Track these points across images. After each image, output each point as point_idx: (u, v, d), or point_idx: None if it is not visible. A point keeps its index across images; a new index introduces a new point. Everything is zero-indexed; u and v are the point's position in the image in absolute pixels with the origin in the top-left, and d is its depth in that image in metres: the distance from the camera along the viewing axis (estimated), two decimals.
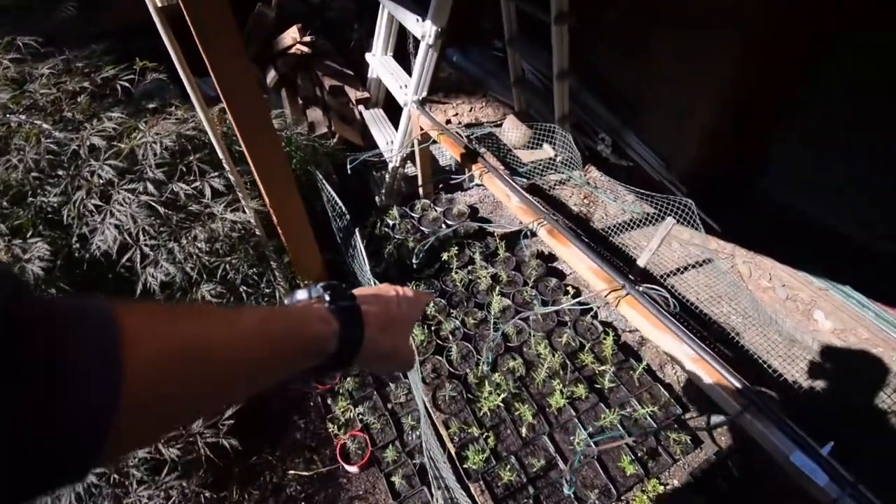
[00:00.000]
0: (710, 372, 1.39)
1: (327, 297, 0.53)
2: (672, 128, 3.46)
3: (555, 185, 3.70)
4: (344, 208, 2.21)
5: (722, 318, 2.74)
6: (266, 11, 3.40)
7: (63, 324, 0.28)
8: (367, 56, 3.18)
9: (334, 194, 2.26)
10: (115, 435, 0.29)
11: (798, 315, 2.88)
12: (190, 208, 1.66)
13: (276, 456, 1.97)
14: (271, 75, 3.27)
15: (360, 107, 3.37)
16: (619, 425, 1.80)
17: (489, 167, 2.11)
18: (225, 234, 1.69)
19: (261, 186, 1.68)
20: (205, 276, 1.65)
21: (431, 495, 1.74)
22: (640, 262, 2.81)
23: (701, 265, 3.13)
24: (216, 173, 1.71)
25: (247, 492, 1.87)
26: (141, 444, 0.33)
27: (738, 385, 1.32)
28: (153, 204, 1.59)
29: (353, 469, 1.88)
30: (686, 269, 3.12)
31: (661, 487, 1.77)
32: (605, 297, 1.55)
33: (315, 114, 3.13)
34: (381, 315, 0.57)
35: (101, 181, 1.55)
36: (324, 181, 2.37)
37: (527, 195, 1.94)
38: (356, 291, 0.58)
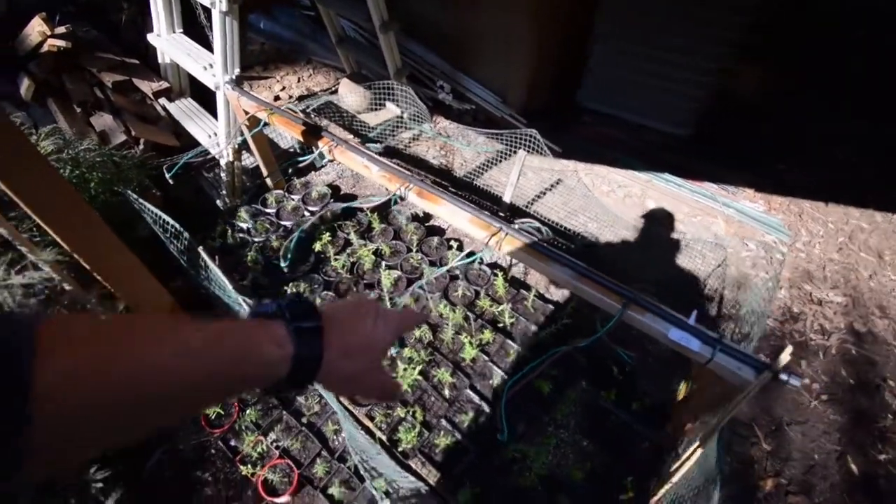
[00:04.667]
0: (590, 284, 1.51)
1: (287, 316, 0.49)
2: (500, 61, 3.58)
3: (409, 142, 3.62)
4: (177, 225, 1.84)
5: (581, 228, 3.05)
6: None
7: None
8: (150, 38, 2.61)
9: (158, 211, 1.87)
10: (28, 446, 0.28)
11: (636, 208, 3.33)
12: None
13: None
14: (25, 84, 2.50)
15: (162, 100, 2.80)
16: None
17: (337, 140, 1.92)
18: (19, 304, 1.29)
19: (49, 230, 1.28)
20: None
21: (375, 489, 1.67)
22: (506, 198, 2.94)
23: (555, 186, 3.41)
24: None
25: None
26: (63, 462, 0.33)
27: (616, 288, 1.46)
28: None
29: (283, 500, 1.71)
30: (544, 193, 3.37)
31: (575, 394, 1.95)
32: (487, 243, 1.56)
33: (103, 120, 2.52)
34: (347, 338, 0.53)
35: None
36: (140, 200, 1.94)
37: (386, 161, 1.82)
38: (328, 307, 0.54)
